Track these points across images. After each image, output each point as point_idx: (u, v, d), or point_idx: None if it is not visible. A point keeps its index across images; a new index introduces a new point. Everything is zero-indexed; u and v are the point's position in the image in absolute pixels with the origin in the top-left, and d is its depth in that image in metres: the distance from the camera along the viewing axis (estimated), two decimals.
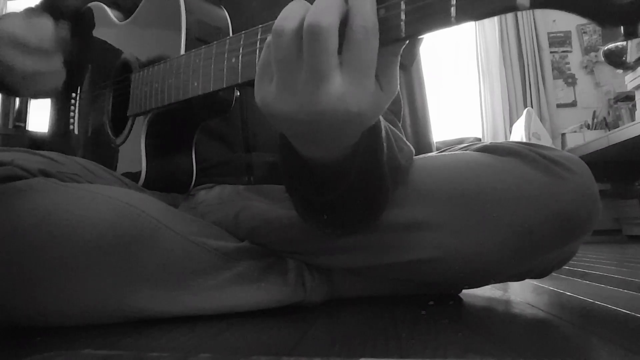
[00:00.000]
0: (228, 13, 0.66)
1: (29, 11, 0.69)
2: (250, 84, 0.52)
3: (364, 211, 0.48)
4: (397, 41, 0.33)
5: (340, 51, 0.33)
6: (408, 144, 0.52)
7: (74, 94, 0.81)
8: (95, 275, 0.45)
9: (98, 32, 0.79)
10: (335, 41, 0.32)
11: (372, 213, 0.49)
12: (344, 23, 0.32)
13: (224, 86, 0.51)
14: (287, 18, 0.33)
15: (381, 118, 0.42)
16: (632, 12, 0.27)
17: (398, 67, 0.36)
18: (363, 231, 0.52)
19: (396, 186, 0.50)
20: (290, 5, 0.34)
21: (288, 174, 0.46)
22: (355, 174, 0.43)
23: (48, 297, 0.45)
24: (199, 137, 0.66)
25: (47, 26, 0.67)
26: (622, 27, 0.28)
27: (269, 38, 0.35)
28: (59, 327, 0.45)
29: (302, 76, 0.33)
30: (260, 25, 0.46)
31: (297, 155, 0.43)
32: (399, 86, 0.37)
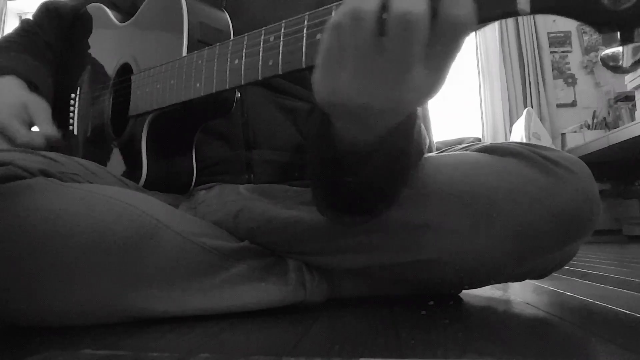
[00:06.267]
0: (229, 14, 0.66)
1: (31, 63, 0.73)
2: (251, 85, 0.52)
3: (387, 191, 0.48)
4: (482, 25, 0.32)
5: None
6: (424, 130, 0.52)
7: (73, 95, 0.81)
8: (95, 275, 0.46)
9: (99, 33, 0.79)
10: (427, 32, 0.29)
11: (394, 193, 0.48)
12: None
13: (227, 87, 0.51)
14: None
15: None
16: (629, 18, 0.28)
17: None
18: (378, 215, 0.50)
19: (416, 170, 0.50)
20: None
21: (320, 159, 0.46)
22: (388, 151, 0.42)
23: (48, 296, 0.45)
24: (199, 135, 0.66)
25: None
26: (618, 33, 0.29)
27: (336, 20, 0.32)
28: (59, 327, 0.45)
29: (382, 64, 0.31)
30: (263, 28, 0.46)
31: (334, 138, 0.42)
32: None
